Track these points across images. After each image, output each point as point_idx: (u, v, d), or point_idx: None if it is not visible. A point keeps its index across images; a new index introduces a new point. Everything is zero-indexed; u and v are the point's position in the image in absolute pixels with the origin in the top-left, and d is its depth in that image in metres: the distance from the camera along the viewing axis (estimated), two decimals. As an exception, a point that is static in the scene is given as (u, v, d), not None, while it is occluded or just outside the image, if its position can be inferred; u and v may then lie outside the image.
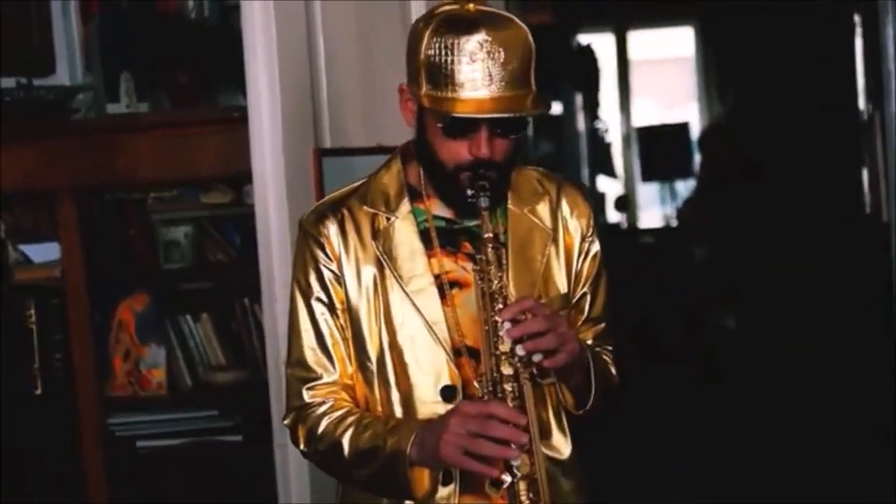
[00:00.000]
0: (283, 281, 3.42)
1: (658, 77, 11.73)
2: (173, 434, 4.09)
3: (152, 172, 3.95)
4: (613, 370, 2.47)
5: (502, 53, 2.21)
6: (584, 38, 10.64)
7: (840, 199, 7.78)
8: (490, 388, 2.21)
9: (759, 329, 7.56)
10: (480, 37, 2.21)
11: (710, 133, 9.71)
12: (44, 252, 4.09)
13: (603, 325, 2.48)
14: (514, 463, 2.15)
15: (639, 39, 11.18)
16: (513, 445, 2.13)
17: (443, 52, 2.22)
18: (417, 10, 3.72)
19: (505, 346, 2.18)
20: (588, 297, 2.46)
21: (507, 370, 2.19)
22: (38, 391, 4.07)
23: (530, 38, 2.27)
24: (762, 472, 5.97)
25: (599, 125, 10.73)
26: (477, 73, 2.20)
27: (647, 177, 10.58)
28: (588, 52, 10.54)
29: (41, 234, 4.09)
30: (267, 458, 3.69)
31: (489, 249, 2.24)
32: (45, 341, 4.08)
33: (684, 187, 10.17)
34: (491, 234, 2.24)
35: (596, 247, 2.47)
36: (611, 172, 10.86)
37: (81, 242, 3.98)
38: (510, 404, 2.18)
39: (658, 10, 10.51)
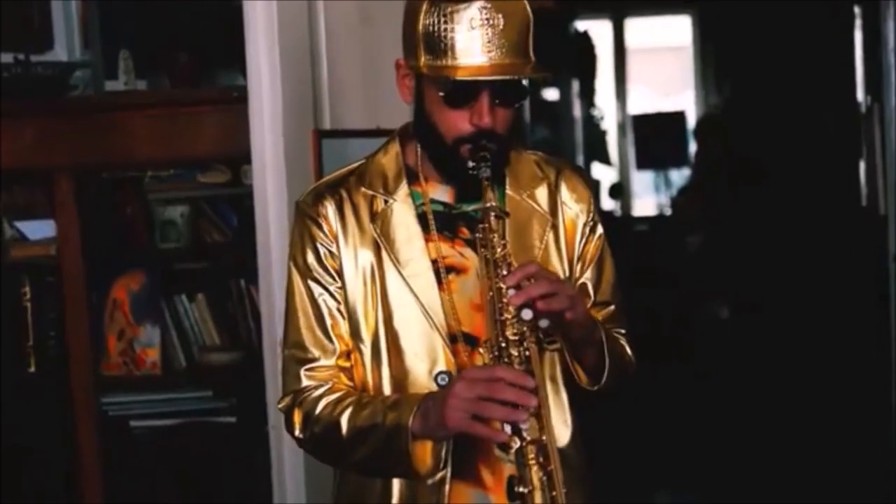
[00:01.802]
0: (279, 262, 3.41)
1: (654, 65, 11.73)
2: (167, 414, 4.08)
3: (150, 151, 3.93)
4: (629, 350, 2.44)
5: (501, 20, 2.21)
6: (581, 25, 10.63)
7: (837, 191, 7.78)
8: (496, 354, 2.17)
9: (753, 319, 7.56)
10: (479, 4, 2.20)
11: (706, 122, 9.71)
12: (39, 229, 4.07)
13: (613, 307, 2.45)
14: (523, 426, 2.10)
15: (636, 27, 11.18)
16: (521, 408, 2.09)
17: (441, 21, 2.21)
18: (420, -8, 3.71)
19: (510, 313, 2.15)
20: (593, 280, 2.44)
21: (512, 335, 2.16)
22: (32, 369, 4.06)
23: (528, 9, 2.27)
24: (754, 466, 5.97)
25: (595, 112, 10.74)
26: (476, 41, 2.20)
27: (642, 165, 10.59)
28: (585, 39, 10.53)
29: (37, 211, 4.07)
30: (261, 440, 3.68)
31: (492, 217, 2.22)
32: (39, 319, 4.06)
33: (679, 176, 10.18)
34: (493, 203, 2.22)
35: (599, 230, 2.45)
36: (606, 160, 10.86)
37: (78, 220, 3.96)
38: (517, 368, 2.15)
39: (655, -1, 10.52)
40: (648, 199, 10.74)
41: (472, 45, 2.20)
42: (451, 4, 2.21)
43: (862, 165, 7.21)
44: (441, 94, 2.24)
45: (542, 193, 2.41)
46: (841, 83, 7.76)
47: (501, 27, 2.20)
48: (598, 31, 10.87)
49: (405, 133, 2.42)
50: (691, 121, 10.44)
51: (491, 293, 2.20)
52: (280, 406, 2.39)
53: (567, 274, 2.39)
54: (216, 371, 4.07)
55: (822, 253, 7.57)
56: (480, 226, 2.24)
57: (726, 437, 6.24)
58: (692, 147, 9.93)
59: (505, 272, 2.18)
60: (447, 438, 2.20)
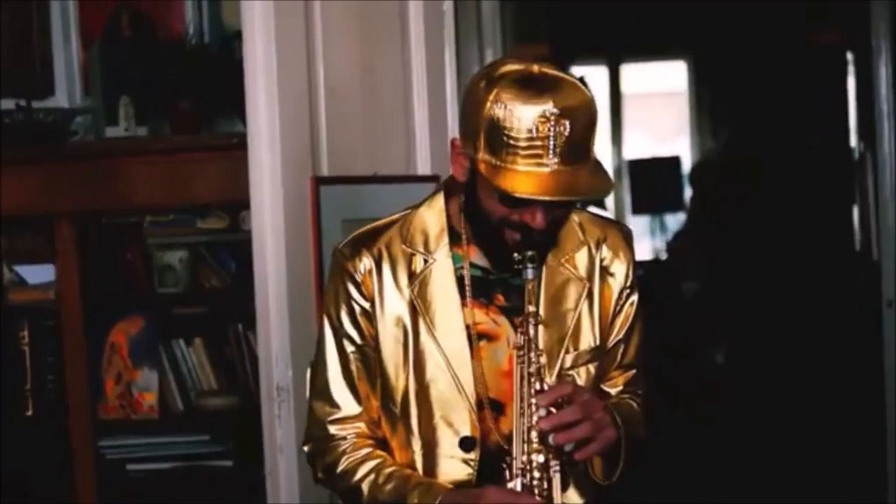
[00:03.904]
0: (277, 307, 3.44)
1: (650, 111, 11.77)
2: (164, 458, 4.08)
3: (150, 197, 3.96)
4: (642, 420, 2.45)
5: (567, 126, 2.16)
6: (577, 71, 10.66)
7: (831, 237, 7.81)
8: (518, 473, 2.21)
9: (748, 364, 7.57)
10: (546, 107, 2.15)
11: (702, 167, 9.75)
12: (39, 274, 4.10)
13: (635, 371, 2.47)
14: None
15: (632, 73, 11.23)
16: None
17: (504, 119, 2.16)
18: (417, 42, 3.76)
19: (536, 429, 2.19)
20: (622, 345, 2.45)
21: (536, 457, 2.19)
22: (30, 413, 4.06)
23: (595, 104, 2.24)
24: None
25: (591, 157, 10.74)
26: (537, 147, 2.15)
27: (638, 210, 10.60)
28: (581, 85, 10.56)
29: (37, 256, 4.09)
30: (257, 484, 3.68)
31: (531, 326, 2.22)
32: (37, 363, 4.07)
33: (674, 221, 10.21)
34: (533, 309, 2.23)
35: (634, 296, 2.45)
36: (601, 205, 10.88)
37: (77, 265, 3.98)
38: (536, 493, 2.19)
39: (651, 45, 10.57)
40: (644, 243, 10.76)
41: (533, 151, 2.15)
42: (518, 104, 2.16)
43: (855, 211, 7.26)
44: (496, 194, 2.22)
45: (581, 258, 2.40)
46: (834, 129, 7.82)
47: (566, 133, 2.16)
48: (594, 76, 10.91)
49: (450, 187, 2.40)
50: (687, 166, 10.48)
51: (521, 409, 2.21)
52: (305, 448, 2.45)
53: (598, 341, 2.39)
54: (213, 415, 4.08)
55: (816, 298, 7.59)
56: (519, 332, 2.24)
57: (718, 475, 6.24)
58: (687, 192, 9.97)
59: (538, 386, 2.20)
60: None
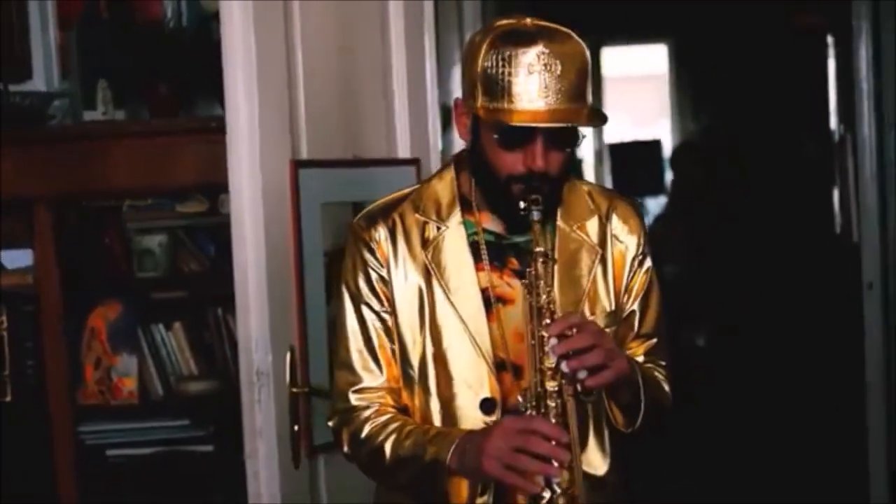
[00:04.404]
0: (256, 291, 3.42)
1: (631, 94, 11.78)
2: (144, 443, 4.08)
3: (128, 181, 3.94)
4: (666, 387, 2.49)
5: (559, 66, 2.23)
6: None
7: (811, 219, 7.83)
8: (533, 404, 2.23)
9: (730, 347, 7.59)
10: (538, 49, 2.23)
11: (683, 151, 9.75)
12: (17, 258, 4.07)
13: (655, 340, 2.50)
14: (555, 479, 2.17)
15: (612, 56, 11.23)
16: (554, 462, 2.15)
17: (499, 64, 2.24)
18: (397, 24, 3.75)
19: (550, 362, 2.20)
20: (638, 313, 2.48)
21: (551, 386, 2.21)
22: (9, 398, 4.05)
23: (587, 53, 2.30)
24: (731, 490, 5.99)
25: (572, 141, 10.73)
26: (533, 85, 2.23)
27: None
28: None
29: (15, 240, 4.07)
30: (238, 468, 3.67)
31: (539, 264, 2.25)
32: (16, 348, 4.05)
33: (656, 204, 10.22)
34: (541, 248, 2.26)
35: (647, 263, 2.49)
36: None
37: (56, 249, 3.97)
38: (553, 421, 2.20)
39: (632, 28, 10.57)
40: (625, 226, 10.74)
41: (529, 89, 2.23)
42: (511, 48, 2.24)
43: (836, 193, 7.27)
44: (496, 136, 2.28)
45: (592, 225, 2.45)
46: (814, 112, 7.83)
47: (559, 72, 2.23)
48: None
49: (460, 160, 2.46)
50: (667, 149, 10.49)
51: (532, 341, 2.24)
52: (329, 423, 2.48)
53: (613, 306, 2.43)
54: (193, 400, 4.08)
55: (797, 280, 7.61)
56: (528, 270, 2.27)
57: (700, 458, 6.26)
58: (668, 175, 9.98)
59: (548, 320, 2.22)
60: (481, 480, 2.27)
